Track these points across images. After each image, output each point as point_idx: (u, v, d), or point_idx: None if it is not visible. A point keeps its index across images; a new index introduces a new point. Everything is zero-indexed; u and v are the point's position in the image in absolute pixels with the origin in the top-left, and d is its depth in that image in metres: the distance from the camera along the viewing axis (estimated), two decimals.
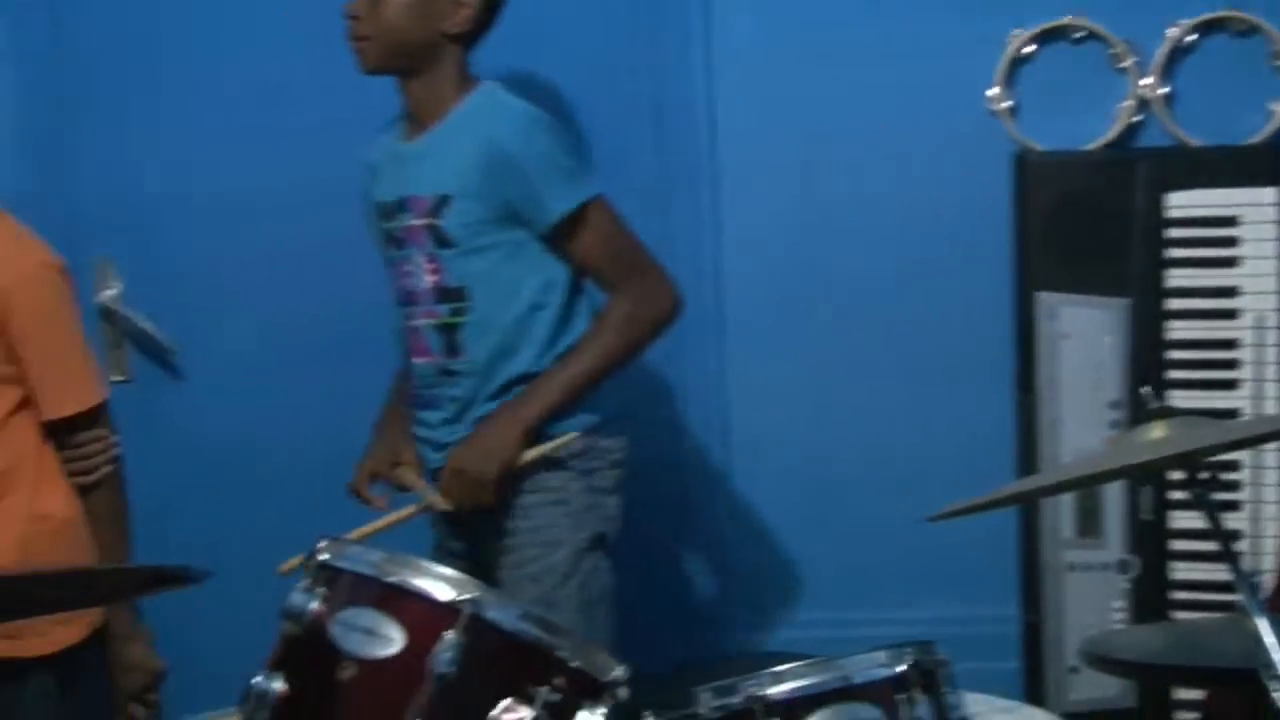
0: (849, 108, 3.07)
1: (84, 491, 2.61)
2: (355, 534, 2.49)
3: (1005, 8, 3.02)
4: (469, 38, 2.63)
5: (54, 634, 2.53)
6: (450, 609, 1.95)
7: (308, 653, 2.00)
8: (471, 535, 2.66)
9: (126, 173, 3.11)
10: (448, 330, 2.62)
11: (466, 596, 1.96)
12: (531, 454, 2.58)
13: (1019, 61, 3.05)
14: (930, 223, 3.08)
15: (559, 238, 2.59)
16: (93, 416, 2.60)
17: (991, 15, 3.02)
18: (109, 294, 3.10)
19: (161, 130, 3.11)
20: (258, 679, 1.98)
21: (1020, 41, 3.04)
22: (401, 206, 2.63)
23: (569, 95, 2.96)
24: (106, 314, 3.10)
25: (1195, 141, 3.03)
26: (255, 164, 3.11)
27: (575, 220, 2.58)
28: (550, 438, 2.60)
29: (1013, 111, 3.05)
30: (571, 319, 2.63)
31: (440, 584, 1.98)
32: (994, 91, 3.04)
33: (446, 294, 2.61)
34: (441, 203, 2.58)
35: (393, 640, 1.96)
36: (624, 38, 3.07)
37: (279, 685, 1.98)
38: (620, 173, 2.85)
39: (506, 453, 2.57)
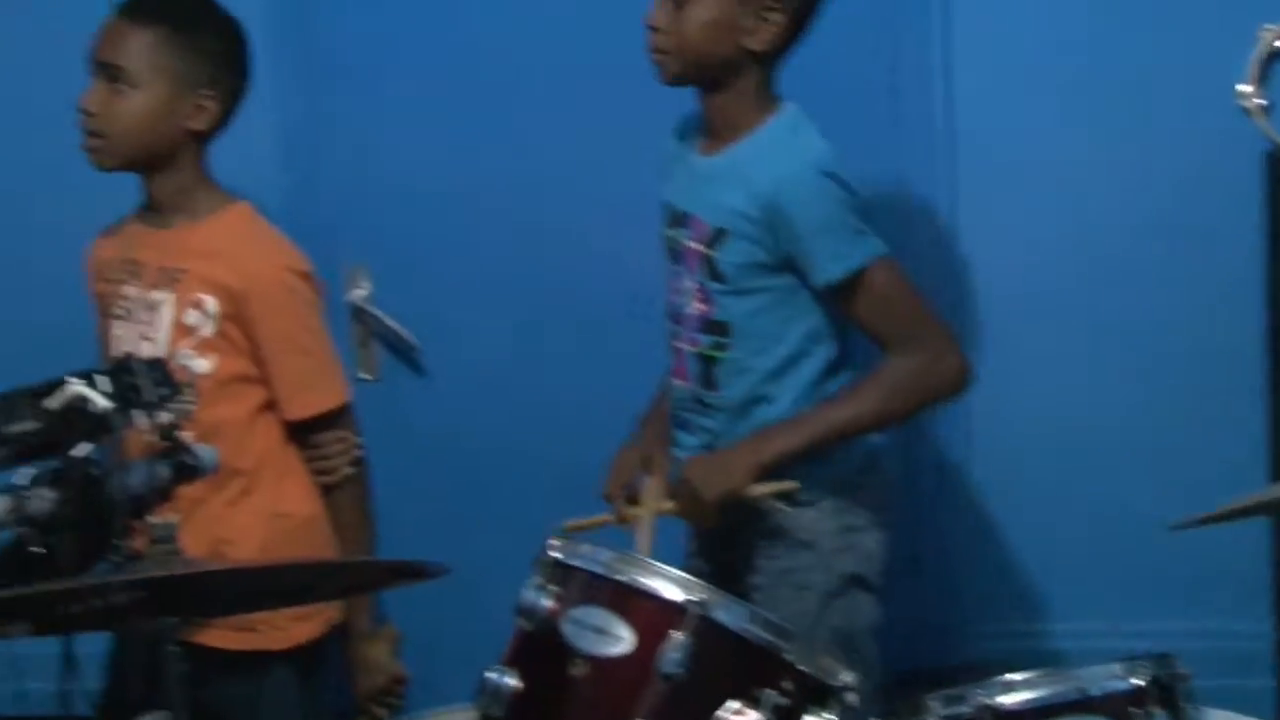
0: (1091, 102, 3.00)
1: (326, 491, 2.68)
2: (569, 525, 2.44)
3: (1255, 2, 2.93)
4: (773, 55, 2.53)
5: (293, 629, 2.59)
6: (679, 609, 1.97)
7: (541, 649, 2.03)
8: (722, 565, 2.58)
9: (380, 175, 3.16)
10: (707, 361, 2.56)
11: (695, 597, 1.98)
12: (759, 490, 2.49)
13: (1272, 57, 2.95)
14: (1177, 221, 3.00)
15: (833, 297, 2.49)
16: (333, 418, 2.66)
17: (1241, 9, 2.93)
18: (359, 294, 3.17)
19: (415, 131, 3.14)
20: (492, 674, 2.02)
21: (1272, 36, 2.94)
22: (683, 221, 2.56)
23: (804, 70, 2.89)
24: (357, 314, 3.18)
25: None
26: (505, 165, 3.12)
27: (851, 283, 2.47)
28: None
29: (1265, 109, 2.95)
30: (835, 370, 2.54)
31: (669, 584, 2.00)
32: (1245, 88, 2.95)
33: (710, 326, 2.54)
34: (719, 236, 2.51)
35: (622, 639, 1.98)
36: (860, 22, 3.01)
37: (513, 681, 2.01)
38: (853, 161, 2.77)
39: (733, 481, 2.48)
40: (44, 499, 2.05)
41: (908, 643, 2.99)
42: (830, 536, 2.53)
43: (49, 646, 2.07)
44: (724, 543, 2.58)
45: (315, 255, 2.74)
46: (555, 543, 2.08)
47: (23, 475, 2.07)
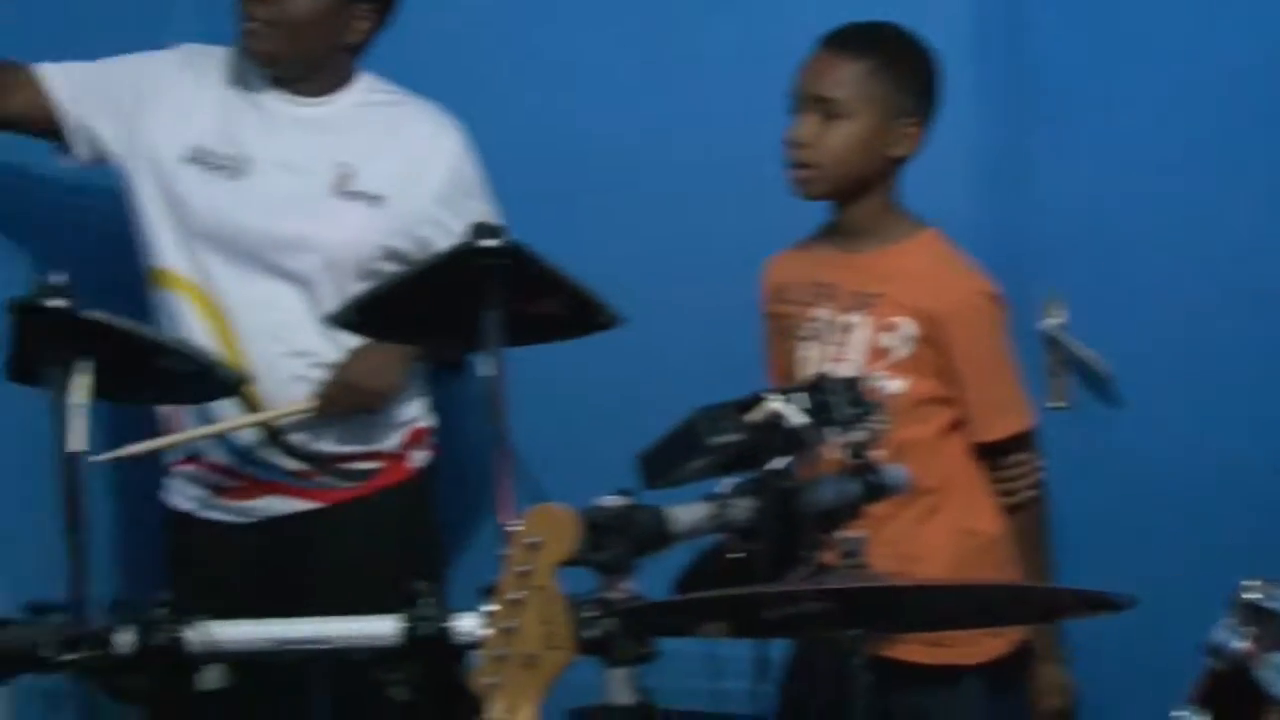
0: None
1: (1008, 512, 2.71)
2: None
3: None
4: None
5: (984, 644, 2.63)
6: None
7: (1232, 692, 1.97)
8: None
9: (1078, 203, 3.12)
10: None
11: None
12: None
13: None
14: None
15: None
16: (1020, 441, 2.70)
17: None
18: (1053, 322, 3.15)
19: (1115, 161, 3.09)
20: (1183, 713, 1.98)
21: None
22: None
23: None
24: (1050, 342, 3.16)
25: None
26: (1233, 203, 3.03)
27: None
28: None
29: None
30: None
31: None
32: None
33: None
34: None
35: None
36: None
37: None
38: None
39: None
40: (743, 508, 2.15)
41: None
42: None
43: (743, 649, 2.17)
44: None
45: (1009, 282, 2.76)
46: (1251, 583, 2.00)
47: (725, 484, 2.18)
